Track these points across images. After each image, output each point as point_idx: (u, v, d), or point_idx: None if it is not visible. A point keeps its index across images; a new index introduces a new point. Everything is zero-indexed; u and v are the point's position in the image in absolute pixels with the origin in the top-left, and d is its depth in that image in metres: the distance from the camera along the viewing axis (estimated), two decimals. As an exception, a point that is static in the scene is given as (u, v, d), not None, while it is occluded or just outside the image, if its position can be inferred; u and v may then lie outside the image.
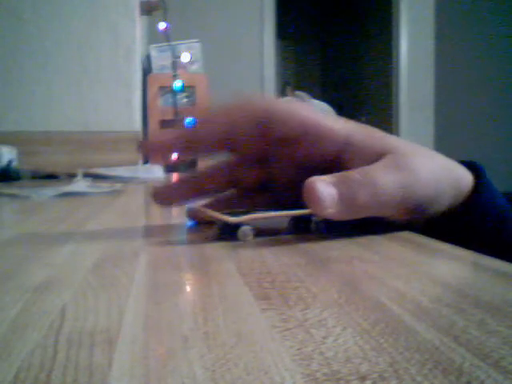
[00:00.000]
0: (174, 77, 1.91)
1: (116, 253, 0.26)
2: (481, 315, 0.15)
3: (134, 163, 1.36)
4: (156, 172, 1.11)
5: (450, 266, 0.22)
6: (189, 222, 0.35)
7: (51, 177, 1.03)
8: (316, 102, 1.03)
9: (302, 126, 0.30)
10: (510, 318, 0.15)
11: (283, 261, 0.23)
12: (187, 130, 0.32)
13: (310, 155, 0.30)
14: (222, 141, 0.31)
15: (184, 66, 2.07)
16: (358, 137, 0.30)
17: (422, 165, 0.28)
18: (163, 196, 0.34)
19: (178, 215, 0.44)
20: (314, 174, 0.26)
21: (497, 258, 0.22)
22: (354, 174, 0.27)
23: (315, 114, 0.30)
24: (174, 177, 1.09)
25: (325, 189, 0.26)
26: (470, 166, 0.32)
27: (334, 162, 0.30)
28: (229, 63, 3.31)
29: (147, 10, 1.77)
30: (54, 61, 1.36)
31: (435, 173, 0.29)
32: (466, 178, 0.31)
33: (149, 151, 0.33)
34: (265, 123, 0.30)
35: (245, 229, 0.28)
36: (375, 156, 0.28)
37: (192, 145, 0.31)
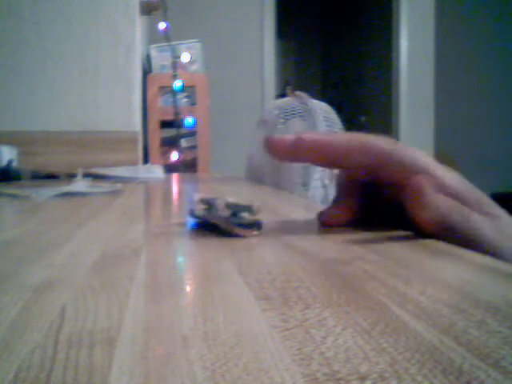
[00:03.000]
0: (174, 77, 1.91)
1: (116, 253, 0.26)
2: (481, 315, 0.15)
3: (134, 163, 1.36)
4: (156, 172, 1.11)
5: (450, 265, 0.22)
6: (190, 223, 0.35)
7: (51, 177, 1.03)
8: (316, 101, 1.03)
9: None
10: (510, 318, 0.15)
11: (283, 261, 0.23)
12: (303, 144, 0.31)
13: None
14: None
15: (184, 66, 2.06)
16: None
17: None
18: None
19: (177, 215, 0.44)
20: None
21: None
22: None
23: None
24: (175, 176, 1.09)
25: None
26: None
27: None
28: (229, 63, 3.31)
29: (147, 10, 1.77)
30: (53, 61, 1.36)
31: None
32: None
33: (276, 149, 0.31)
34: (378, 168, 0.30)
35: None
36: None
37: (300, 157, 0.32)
